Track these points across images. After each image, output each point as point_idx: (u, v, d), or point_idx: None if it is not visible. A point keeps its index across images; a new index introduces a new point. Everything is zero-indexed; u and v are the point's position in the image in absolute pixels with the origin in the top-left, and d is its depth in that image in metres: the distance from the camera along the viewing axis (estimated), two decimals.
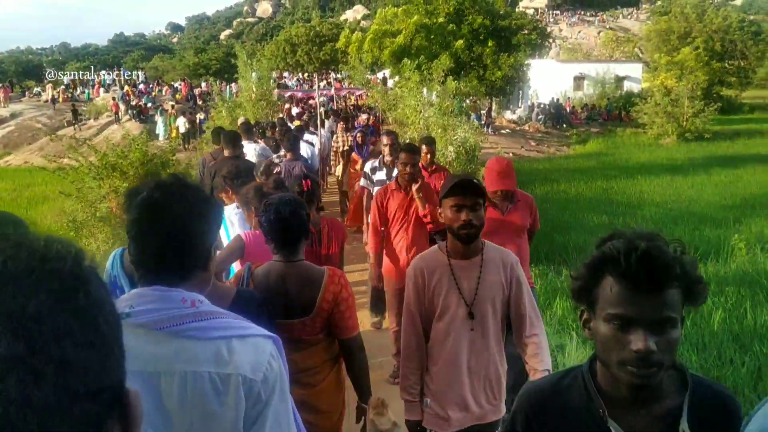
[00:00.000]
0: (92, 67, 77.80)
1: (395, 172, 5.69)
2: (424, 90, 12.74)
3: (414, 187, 4.67)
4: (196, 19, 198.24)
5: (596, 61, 51.00)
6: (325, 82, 34.80)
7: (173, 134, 26.58)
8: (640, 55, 63.61)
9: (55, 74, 48.32)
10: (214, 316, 1.46)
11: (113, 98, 33.23)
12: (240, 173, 4.96)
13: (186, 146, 24.98)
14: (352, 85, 31.56)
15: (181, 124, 25.54)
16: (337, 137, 11.97)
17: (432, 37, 24.79)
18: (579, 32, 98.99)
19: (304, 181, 4.09)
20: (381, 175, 6.22)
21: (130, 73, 48.50)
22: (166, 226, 1.48)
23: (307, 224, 2.68)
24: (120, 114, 30.95)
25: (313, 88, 25.42)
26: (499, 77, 27.77)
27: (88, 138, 28.59)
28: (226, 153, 6.36)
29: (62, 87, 40.43)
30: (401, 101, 12.64)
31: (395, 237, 4.85)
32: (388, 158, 6.11)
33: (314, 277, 2.57)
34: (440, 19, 25.16)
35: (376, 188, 5.97)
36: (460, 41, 25.01)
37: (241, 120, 11.40)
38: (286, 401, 1.53)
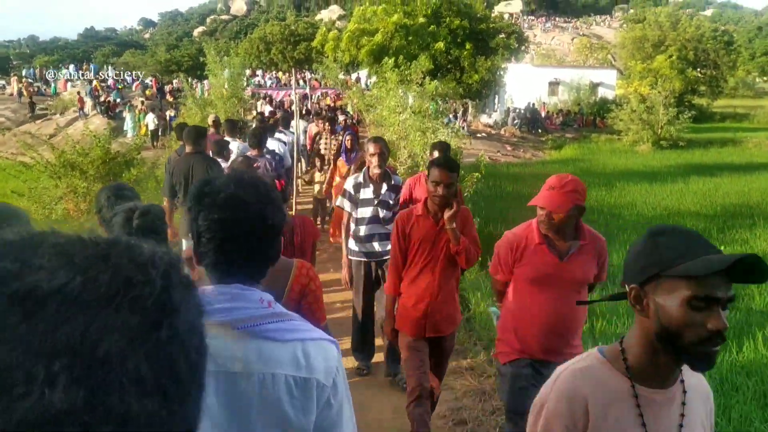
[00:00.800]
0: (61, 61, 76.17)
1: (384, 188, 5.07)
2: (400, 91, 12.37)
3: (446, 215, 3.61)
4: (169, 15, 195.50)
5: (571, 66, 51.20)
6: (302, 80, 34.22)
7: (142, 131, 25.81)
8: (613, 62, 64.17)
9: (20, 67, 47.00)
10: (287, 318, 1.48)
11: (78, 92, 32.24)
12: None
13: (155, 144, 24.23)
14: (327, 85, 31.03)
15: (150, 120, 24.77)
16: (322, 140, 10.66)
17: (411, 37, 24.36)
18: (552, 38, 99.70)
19: (277, 181, 4.00)
20: (367, 193, 5.09)
21: (99, 68, 47.33)
22: (253, 223, 1.49)
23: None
24: (86, 109, 30.00)
25: (288, 85, 24.89)
26: (476, 80, 27.56)
27: (51, 134, 27.77)
28: (187, 149, 6.13)
29: (27, 80, 39.14)
30: (379, 102, 12.21)
31: (417, 277, 3.80)
32: (375, 171, 5.05)
33: (282, 268, 2.39)
34: (420, 20, 24.77)
35: (361, 210, 5.05)
36: (440, 43, 24.70)
37: (211, 117, 10.98)
38: (352, 408, 1.51)
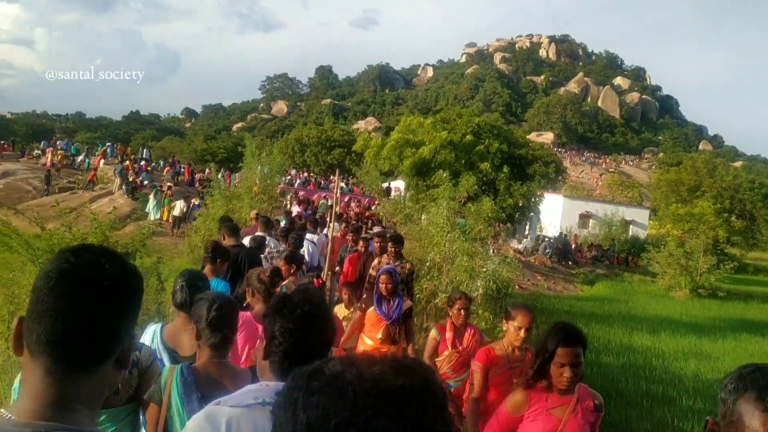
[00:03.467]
0: (102, 139, 77.90)
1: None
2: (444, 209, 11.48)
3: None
4: (212, 108, 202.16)
5: (605, 201, 50.68)
6: (344, 184, 33.80)
7: (164, 216, 25.18)
8: (642, 201, 63.84)
9: (56, 140, 47.68)
10: None
11: (102, 161, 31.90)
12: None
13: (174, 231, 23.50)
14: (363, 191, 30.47)
15: (179, 207, 24.13)
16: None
17: (457, 153, 23.74)
18: (581, 172, 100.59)
19: (315, 280, 5.65)
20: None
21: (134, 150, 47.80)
22: (316, 337, 1.95)
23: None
24: (113, 188, 29.71)
25: (323, 187, 24.34)
26: (510, 204, 26.85)
27: (74, 208, 27.27)
28: (226, 242, 6.69)
29: (62, 152, 39.40)
30: (421, 215, 11.28)
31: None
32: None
33: None
34: (468, 137, 24.32)
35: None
36: (486, 163, 24.07)
37: (254, 213, 11.26)
38: None
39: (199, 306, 2.82)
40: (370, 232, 11.55)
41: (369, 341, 5.74)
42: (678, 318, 19.24)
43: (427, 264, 9.21)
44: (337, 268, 9.81)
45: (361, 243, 9.08)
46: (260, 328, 3.47)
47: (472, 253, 8.44)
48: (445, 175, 12.24)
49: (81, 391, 1.19)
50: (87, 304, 1.18)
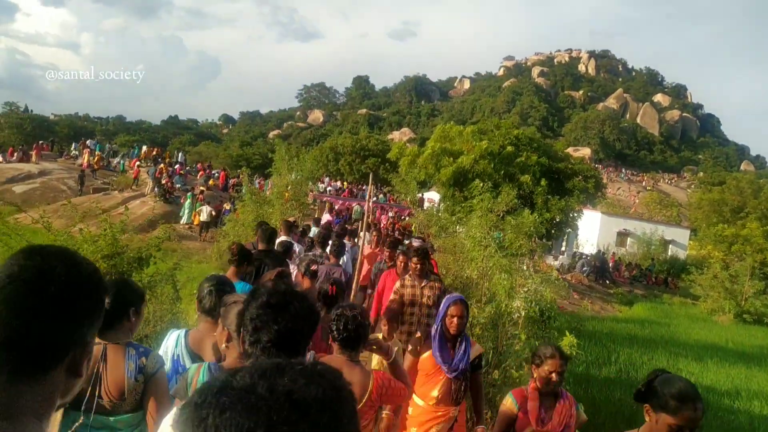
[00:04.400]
0: (140, 142, 78.87)
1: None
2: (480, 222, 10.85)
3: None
4: (249, 115, 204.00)
5: (644, 219, 49.29)
6: (381, 194, 33.36)
7: (195, 221, 24.98)
8: (681, 221, 62.11)
9: (84, 141, 48.25)
10: None
11: (138, 165, 31.95)
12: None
13: (202, 235, 23.28)
14: (397, 201, 29.85)
15: (205, 212, 23.96)
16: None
17: (496, 164, 22.86)
18: (618, 189, 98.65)
19: (330, 286, 4.87)
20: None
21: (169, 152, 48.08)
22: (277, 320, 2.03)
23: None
24: (146, 190, 29.70)
25: (357, 196, 23.82)
26: (547, 219, 26.02)
27: (107, 209, 27.27)
28: (260, 246, 6.80)
29: (99, 153, 39.75)
30: (457, 227, 10.68)
31: None
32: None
33: (360, 381, 3.05)
34: (509, 148, 23.50)
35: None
36: (527, 176, 23.20)
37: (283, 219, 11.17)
38: None
39: (230, 309, 2.77)
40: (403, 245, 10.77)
41: (420, 401, 4.34)
42: (723, 345, 18.24)
43: (464, 280, 8.61)
44: (369, 290, 8.57)
45: (400, 257, 7.59)
46: None
47: (511, 269, 7.78)
48: (483, 185, 11.53)
49: (27, 400, 1.12)
50: (31, 308, 1.12)
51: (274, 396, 0.79)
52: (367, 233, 9.84)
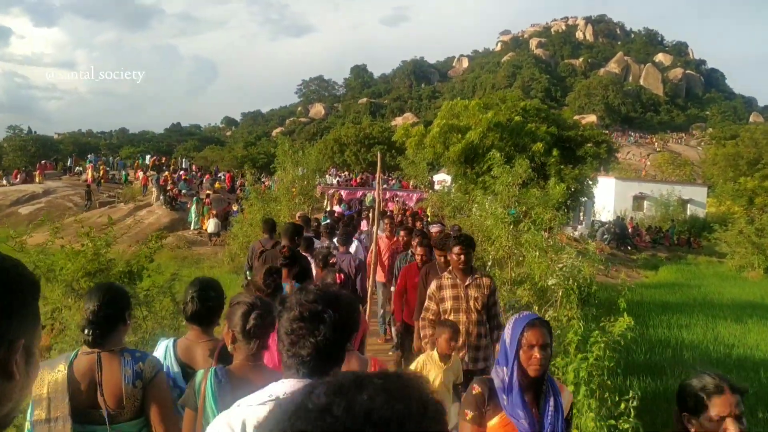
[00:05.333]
0: (145, 152, 78.71)
1: None
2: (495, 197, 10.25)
3: None
4: (251, 115, 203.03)
5: (659, 181, 48.37)
6: (394, 180, 32.78)
7: (204, 226, 24.54)
8: (695, 179, 61.12)
9: (76, 158, 48.23)
10: None
11: (143, 172, 31.56)
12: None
13: (213, 240, 22.87)
14: (410, 185, 29.20)
15: (213, 224, 23.47)
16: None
17: (505, 136, 21.94)
18: (628, 153, 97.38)
19: (338, 275, 5.11)
20: None
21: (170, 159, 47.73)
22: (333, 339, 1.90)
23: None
24: (152, 199, 29.29)
25: (368, 185, 23.19)
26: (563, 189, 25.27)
27: (113, 222, 26.88)
28: (283, 242, 6.55)
29: (103, 167, 39.42)
30: (473, 206, 10.06)
31: None
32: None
33: (361, 366, 2.90)
34: (516, 118, 22.64)
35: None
36: (539, 144, 22.29)
37: (299, 214, 11.36)
38: None
39: (235, 311, 2.72)
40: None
41: None
42: (759, 301, 17.59)
43: (488, 262, 7.99)
44: (392, 288, 7.74)
45: (419, 249, 6.57)
46: None
47: (545, 247, 7.13)
48: (498, 155, 10.81)
49: None
50: None
51: (351, 416, 0.72)
52: (381, 222, 9.25)
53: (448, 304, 4.98)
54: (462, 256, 4.99)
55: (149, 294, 5.69)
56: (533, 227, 7.66)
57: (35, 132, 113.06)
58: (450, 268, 5.17)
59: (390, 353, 7.86)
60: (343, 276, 5.44)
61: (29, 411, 2.60)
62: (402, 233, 8.26)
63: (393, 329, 8.09)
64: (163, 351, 3.23)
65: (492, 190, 9.81)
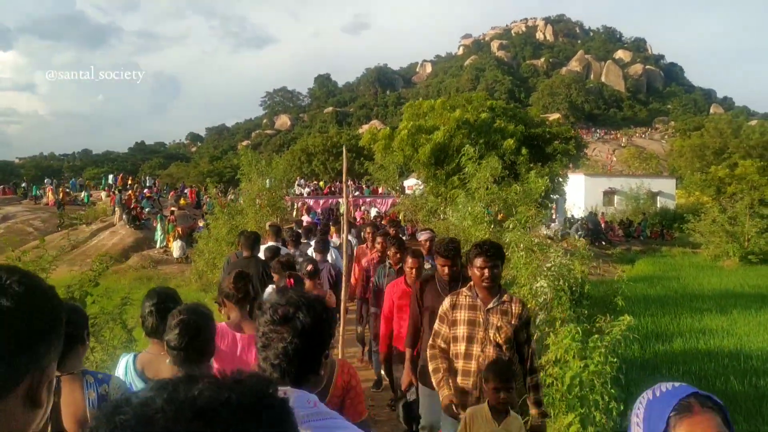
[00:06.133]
0: (109, 173, 77.19)
1: None
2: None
3: None
4: (216, 129, 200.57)
5: (628, 175, 48.74)
6: (359, 189, 32.33)
7: (170, 243, 23.73)
8: (661, 172, 61.85)
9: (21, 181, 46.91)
10: (330, 416, 1.69)
11: (107, 192, 30.60)
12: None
13: (179, 259, 22.12)
14: (380, 191, 28.67)
15: (177, 248, 22.68)
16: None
17: (473, 135, 21.42)
18: (594, 150, 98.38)
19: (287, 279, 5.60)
20: None
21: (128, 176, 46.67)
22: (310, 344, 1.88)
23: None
24: (115, 219, 28.33)
25: (334, 193, 22.65)
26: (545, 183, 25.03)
27: (76, 244, 25.89)
28: (245, 254, 6.93)
29: (64, 189, 38.23)
30: (446, 209, 9.58)
31: None
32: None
33: (327, 366, 2.66)
34: (483, 115, 22.25)
35: None
36: (510, 140, 21.85)
37: (269, 223, 11.16)
38: None
39: (168, 321, 2.75)
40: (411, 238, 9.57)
41: None
42: (740, 290, 17.42)
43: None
44: (373, 309, 6.81)
45: (409, 260, 5.51)
46: (237, 335, 3.64)
47: (531, 245, 6.62)
48: (472, 150, 10.28)
49: None
50: None
51: (173, 405, 0.68)
52: (350, 236, 8.72)
53: (461, 331, 3.93)
54: (487, 271, 3.87)
55: (96, 322, 5.03)
56: (519, 225, 7.17)
57: None
58: (470, 284, 4.06)
59: (372, 390, 7.04)
60: (293, 281, 5.58)
61: None
62: (379, 240, 7.47)
63: (372, 359, 7.35)
64: (123, 368, 3.13)
65: (465, 189, 9.31)
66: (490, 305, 3.90)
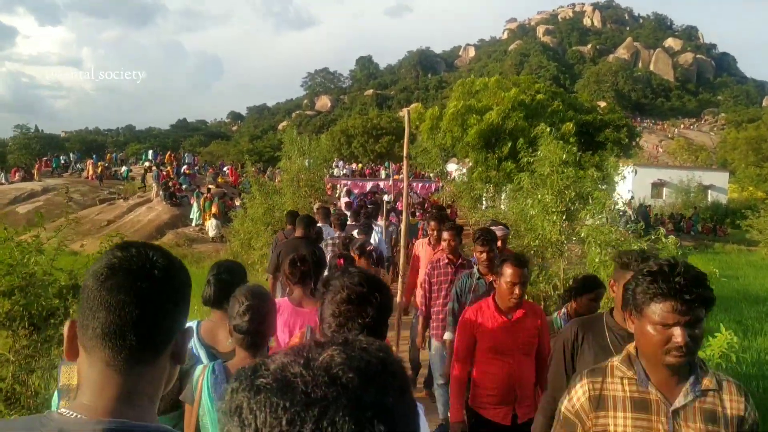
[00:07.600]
0: (150, 149, 78.01)
1: None
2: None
3: None
4: (257, 109, 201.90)
5: (678, 167, 46.88)
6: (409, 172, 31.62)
7: (206, 221, 23.36)
8: (711, 165, 59.61)
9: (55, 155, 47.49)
10: None
11: (145, 169, 30.54)
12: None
13: (214, 239, 21.74)
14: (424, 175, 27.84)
15: (212, 227, 22.25)
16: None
17: (529, 116, 20.12)
18: (641, 140, 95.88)
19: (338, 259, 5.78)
20: None
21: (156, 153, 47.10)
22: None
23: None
24: (152, 195, 28.12)
25: (374, 176, 21.92)
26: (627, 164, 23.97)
27: (112, 219, 25.78)
28: (297, 233, 6.84)
29: (102, 164, 38.34)
30: (501, 195, 8.78)
31: None
32: None
33: None
34: (539, 96, 21.09)
35: None
36: (569, 123, 20.59)
37: (317, 205, 11.33)
38: None
39: (231, 303, 2.74)
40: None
41: None
42: None
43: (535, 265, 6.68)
44: (448, 335, 4.88)
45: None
46: (300, 311, 3.88)
47: (611, 241, 5.78)
48: (545, 128, 9.25)
49: (144, 384, 1.17)
50: (139, 293, 1.15)
51: (310, 371, 0.73)
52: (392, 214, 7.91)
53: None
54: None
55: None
56: (596, 215, 6.38)
57: (42, 131, 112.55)
58: (627, 352, 2.56)
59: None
60: (342, 260, 5.70)
61: (54, 401, 2.41)
62: (446, 236, 5.59)
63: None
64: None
65: (532, 173, 8.49)
66: (679, 402, 1.93)
